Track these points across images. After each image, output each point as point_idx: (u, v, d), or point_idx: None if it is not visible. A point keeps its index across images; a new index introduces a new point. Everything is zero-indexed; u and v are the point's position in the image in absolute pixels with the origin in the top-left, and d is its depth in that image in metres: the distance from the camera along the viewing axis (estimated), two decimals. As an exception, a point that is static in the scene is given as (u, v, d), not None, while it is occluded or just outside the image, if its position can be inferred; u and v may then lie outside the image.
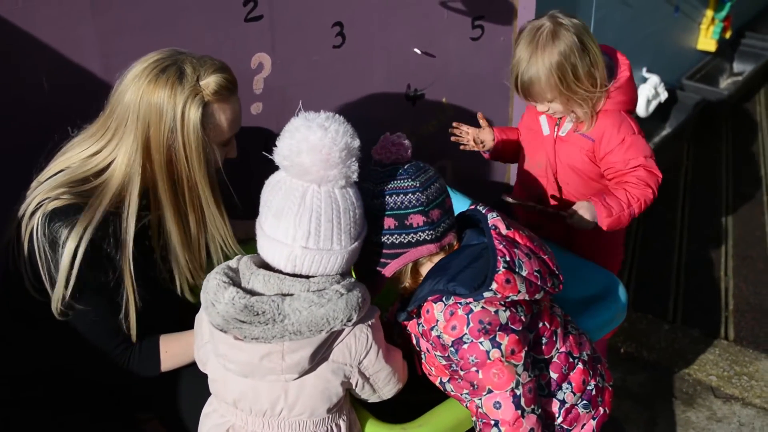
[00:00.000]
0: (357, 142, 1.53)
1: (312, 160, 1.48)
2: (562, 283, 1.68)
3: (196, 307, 1.70)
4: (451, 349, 1.57)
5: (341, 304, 1.49)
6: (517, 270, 1.58)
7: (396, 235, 1.61)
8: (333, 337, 1.54)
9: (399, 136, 1.65)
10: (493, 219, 1.66)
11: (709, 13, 4.63)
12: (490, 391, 1.57)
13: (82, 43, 2.02)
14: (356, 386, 1.62)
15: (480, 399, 1.59)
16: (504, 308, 1.56)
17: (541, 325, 1.66)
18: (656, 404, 2.77)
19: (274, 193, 1.54)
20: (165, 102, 1.69)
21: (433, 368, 1.70)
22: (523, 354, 1.57)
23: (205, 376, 1.72)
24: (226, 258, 1.87)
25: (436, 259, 1.65)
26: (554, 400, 1.69)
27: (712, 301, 3.29)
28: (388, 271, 1.63)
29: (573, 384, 1.70)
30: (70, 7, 1.97)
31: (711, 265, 3.52)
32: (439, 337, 1.58)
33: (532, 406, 1.59)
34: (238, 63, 2.34)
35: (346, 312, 1.50)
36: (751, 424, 2.68)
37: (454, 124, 2.47)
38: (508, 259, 1.57)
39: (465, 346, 1.55)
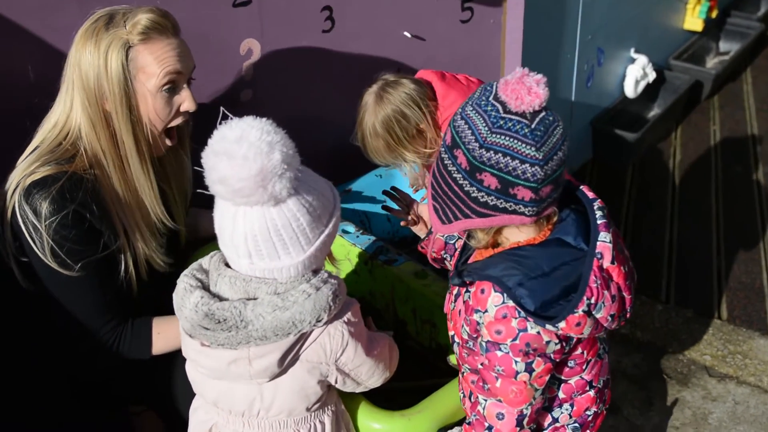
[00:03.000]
0: (276, 159, 1.34)
1: (226, 190, 1.36)
2: (625, 318, 1.52)
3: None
4: (483, 344, 1.46)
5: (308, 305, 1.43)
6: (593, 313, 1.42)
7: (493, 197, 1.37)
8: (304, 338, 1.48)
9: (539, 81, 1.34)
10: (603, 245, 1.43)
11: (695, -8, 4.62)
12: (500, 401, 1.49)
13: (68, 31, 1.98)
14: (336, 382, 1.57)
15: (486, 400, 1.51)
16: (557, 341, 1.44)
17: (579, 351, 1.55)
18: (651, 384, 2.77)
19: (215, 211, 1.46)
20: (92, 51, 1.68)
21: (452, 322, 1.62)
22: (546, 378, 1.49)
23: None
24: (156, 226, 1.85)
25: (525, 229, 1.46)
26: (548, 415, 1.63)
27: (704, 281, 3.29)
28: (467, 224, 1.43)
29: (574, 407, 1.63)
30: (56, -5, 1.94)
31: (702, 245, 3.52)
32: (479, 324, 1.46)
33: (532, 425, 1.55)
34: (228, 49, 2.32)
35: (314, 313, 1.43)
36: (746, 402, 2.69)
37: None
38: (592, 302, 1.40)
39: (498, 354, 1.44)
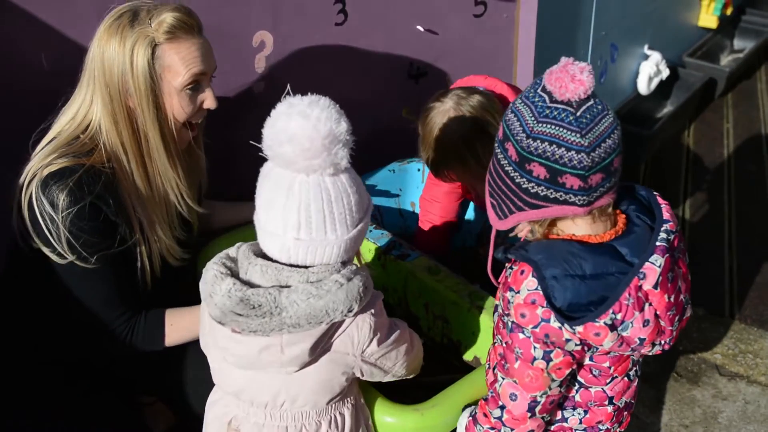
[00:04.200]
0: (343, 127, 1.42)
1: (294, 150, 1.39)
2: (663, 349, 1.50)
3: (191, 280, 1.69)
4: (509, 323, 1.46)
5: (341, 295, 1.43)
6: (618, 329, 1.40)
7: (543, 188, 1.38)
8: (334, 328, 1.49)
9: (583, 69, 1.34)
10: (650, 266, 1.40)
11: (710, -11, 4.60)
12: (515, 382, 1.49)
13: (81, 20, 1.98)
14: (362, 374, 1.58)
15: (503, 379, 1.51)
16: (578, 342, 1.43)
17: (606, 364, 1.53)
18: (662, 383, 2.76)
19: (263, 184, 1.48)
20: (116, 48, 1.69)
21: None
22: (566, 372, 1.47)
23: (211, 359, 1.71)
24: (180, 215, 1.87)
25: (579, 221, 1.44)
26: (560, 412, 1.62)
27: (716, 280, 3.28)
28: (522, 217, 1.45)
29: (587, 415, 1.61)
30: (70, -16, 1.94)
31: (714, 243, 3.51)
32: (509, 302, 1.45)
33: (544, 414, 1.53)
34: (240, 41, 2.31)
35: (346, 303, 1.44)
36: (757, 401, 2.68)
37: None
38: (618, 318, 1.39)
39: (520, 336, 1.44)
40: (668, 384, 2.76)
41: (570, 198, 1.38)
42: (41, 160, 1.70)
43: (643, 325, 1.41)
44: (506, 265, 1.54)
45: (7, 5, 1.87)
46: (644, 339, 1.43)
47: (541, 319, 1.40)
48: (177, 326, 1.83)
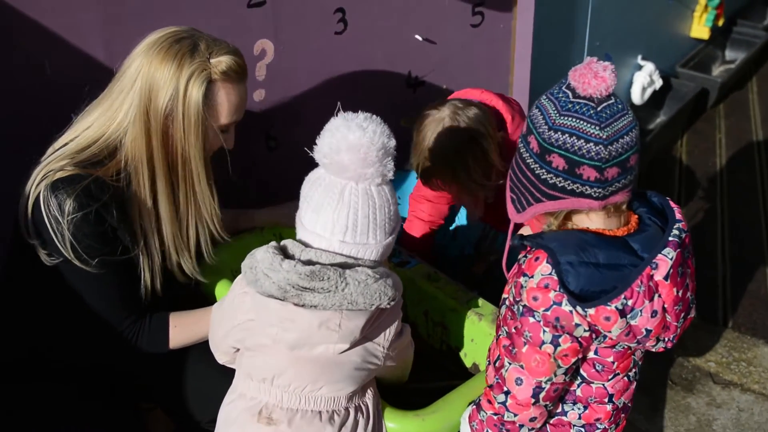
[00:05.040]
0: (393, 142, 1.55)
1: (350, 158, 1.51)
2: (665, 347, 1.54)
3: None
4: (520, 307, 1.50)
5: (390, 282, 1.55)
6: (627, 317, 1.44)
7: (561, 179, 1.44)
8: (375, 316, 1.57)
9: (606, 67, 1.41)
10: (662, 257, 1.45)
11: (703, 0, 4.63)
12: (522, 367, 1.52)
13: (85, 28, 2.00)
14: (383, 364, 1.64)
15: (510, 364, 1.54)
16: (587, 329, 1.46)
17: (609, 359, 1.56)
18: (657, 390, 2.78)
19: (314, 189, 1.57)
20: (171, 72, 1.70)
21: (509, 286, 1.62)
22: (573, 360, 1.50)
23: (211, 364, 1.74)
24: (212, 238, 1.90)
25: (593, 215, 1.50)
26: (560, 404, 1.64)
27: (709, 288, 3.30)
28: (539, 208, 1.50)
29: (586, 411, 1.64)
30: (75, -8, 1.95)
31: (707, 252, 3.53)
32: (522, 287, 1.50)
33: (547, 402, 1.56)
34: (241, 49, 2.31)
35: (392, 291, 1.54)
36: (750, 409, 2.70)
37: None
38: (629, 304, 1.43)
39: (530, 320, 1.47)
40: (663, 391, 2.77)
41: (586, 190, 1.44)
42: (52, 165, 1.71)
43: (651, 316, 1.45)
44: (519, 256, 1.58)
45: (11, 11, 1.88)
46: (650, 331, 1.46)
47: (552, 302, 1.45)
48: (181, 328, 1.85)
